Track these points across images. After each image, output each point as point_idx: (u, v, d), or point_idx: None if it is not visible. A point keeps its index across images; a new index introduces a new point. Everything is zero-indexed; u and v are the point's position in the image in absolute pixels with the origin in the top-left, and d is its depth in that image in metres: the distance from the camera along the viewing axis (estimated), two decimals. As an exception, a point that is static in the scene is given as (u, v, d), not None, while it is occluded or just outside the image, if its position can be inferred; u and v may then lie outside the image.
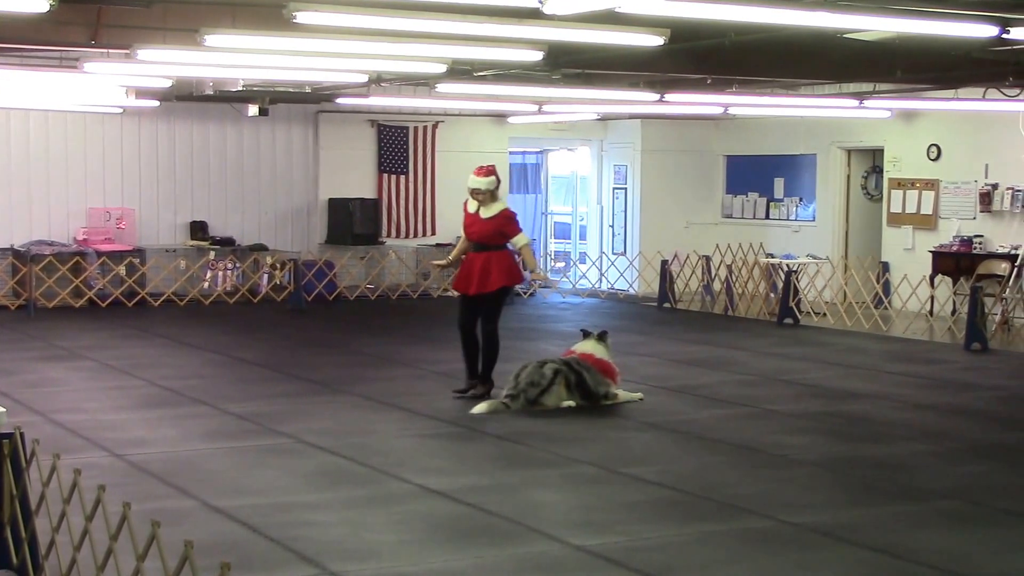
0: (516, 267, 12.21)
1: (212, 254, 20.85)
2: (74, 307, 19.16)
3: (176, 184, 21.05)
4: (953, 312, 18.08)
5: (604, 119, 23.84)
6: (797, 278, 18.77)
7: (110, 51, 12.68)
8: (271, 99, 19.53)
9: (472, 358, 12.01)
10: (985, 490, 8.62)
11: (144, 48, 11.48)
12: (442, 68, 13.26)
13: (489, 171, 12.06)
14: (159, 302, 19.72)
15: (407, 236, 22.61)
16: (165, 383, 12.63)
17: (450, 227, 22.74)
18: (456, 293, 12.40)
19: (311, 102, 20.66)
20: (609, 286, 22.81)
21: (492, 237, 11.97)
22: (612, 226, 24.39)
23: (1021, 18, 10.04)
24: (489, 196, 11.98)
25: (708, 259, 20.95)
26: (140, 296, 19.65)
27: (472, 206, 12.06)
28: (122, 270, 19.68)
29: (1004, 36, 10.20)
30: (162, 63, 12.84)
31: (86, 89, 16.49)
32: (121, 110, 19.65)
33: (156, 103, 18.91)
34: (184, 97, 18.95)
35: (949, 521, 7.83)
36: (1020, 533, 7.60)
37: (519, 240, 12.10)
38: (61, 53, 15.32)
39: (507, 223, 12.01)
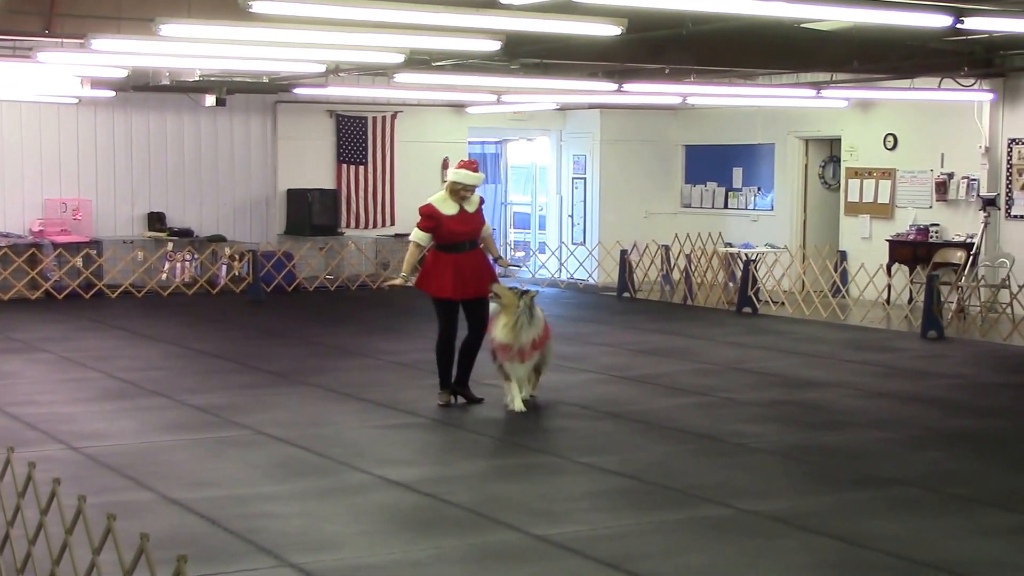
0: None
1: (170, 245, 20.74)
2: (30, 299, 19.03)
3: (133, 175, 20.91)
4: (910, 300, 18.19)
5: (563, 109, 23.85)
6: (755, 267, 18.85)
7: (64, 41, 12.58)
8: (228, 89, 19.45)
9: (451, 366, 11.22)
10: (942, 477, 8.68)
11: (99, 37, 11.39)
12: (400, 58, 13.24)
13: (477, 165, 11.35)
14: (116, 294, 19.61)
15: (366, 226, 22.56)
16: (123, 375, 12.55)
17: (409, 217, 22.65)
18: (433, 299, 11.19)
19: (269, 92, 20.57)
20: (568, 276, 22.84)
21: (480, 231, 11.25)
22: (571, 216, 24.41)
23: (975, 8, 10.11)
24: (471, 192, 11.22)
25: (667, 248, 20.99)
26: (97, 288, 19.54)
27: (450, 207, 11.02)
28: (79, 261, 19.55)
29: (959, 26, 10.28)
30: (117, 53, 12.75)
31: (41, 79, 16.36)
32: (76, 100, 19.50)
33: (112, 93, 18.81)
34: (140, 87, 18.85)
35: (906, 508, 7.88)
36: (977, 519, 7.65)
37: (487, 229, 11.49)
38: (14, 43, 15.18)
39: (483, 212, 11.41)
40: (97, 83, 17.36)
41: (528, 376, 10.91)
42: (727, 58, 15.63)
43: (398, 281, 11.19)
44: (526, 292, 10.86)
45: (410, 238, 11.20)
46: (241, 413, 10.66)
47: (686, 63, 15.67)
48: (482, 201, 11.37)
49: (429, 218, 11.02)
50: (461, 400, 11.15)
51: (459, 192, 11.05)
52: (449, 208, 11.03)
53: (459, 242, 11.02)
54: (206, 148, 21.49)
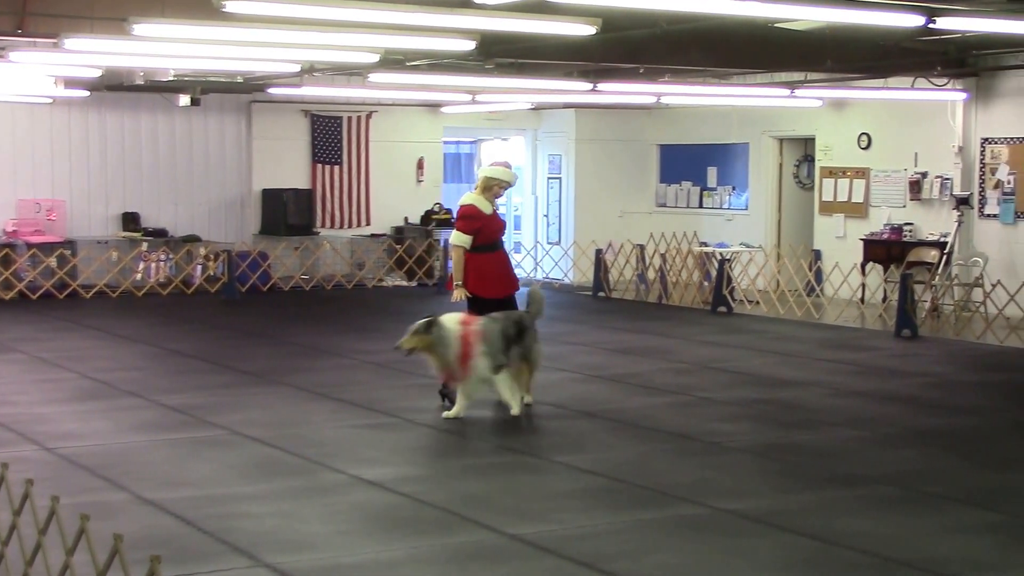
0: None
1: (144, 245, 20.68)
2: (4, 299, 18.94)
3: (107, 175, 20.85)
4: (884, 299, 18.26)
5: (538, 109, 23.87)
6: (730, 266, 18.89)
7: (37, 40, 12.53)
8: (203, 89, 19.41)
9: None
10: (915, 475, 8.71)
11: (72, 37, 11.35)
12: (375, 58, 13.23)
13: (511, 165, 11.40)
14: (91, 294, 19.54)
15: (341, 226, 22.53)
16: (97, 375, 12.51)
17: (384, 217, 22.76)
18: (464, 296, 11.00)
19: (243, 92, 20.54)
20: (544, 275, 22.85)
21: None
22: (547, 216, 24.43)
23: (947, 8, 10.16)
24: (505, 188, 11.28)
25: (642, 248, 21.03)
26: (71, 288, 19.47)
27: (486, 206, 11.02)
28: (53, 262, 19.48)
29: (931, 26, 10.33)
30: (91, 52, 12.71)
31: (14, 79, 16.29)
32: (50, 100, 19.42)
33: (86, 93, 18.75)
34: (114, 87, 18.80)
35: (880, 506, 7.91)
36: (950, 517, 7.68)
37: None
38: (-13, 42, 15.12)
39: None
40: (71, 83, 17.30)
41: (479, 385, 10.44)
42: (701, 58, 15.66)
43: (460, 292, 10.93)
44: (430, 323, 10.29)
45: (452, 242, 11.13)
46: (216, 413, 10.63)
47: (660, 63, 15.70)
48: None
49: (473, 219, 10.99)
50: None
51: (493, 190, 11.06)
52: (486, 207, 11.05)
53: (497, 240, 11.12)
54: (180, 148, 21.43)
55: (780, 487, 8.42)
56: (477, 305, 10.89)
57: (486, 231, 11.00)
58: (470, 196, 11.15)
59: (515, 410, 10.56)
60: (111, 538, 4.65)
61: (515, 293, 11.25)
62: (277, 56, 13.60)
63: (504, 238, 11.40)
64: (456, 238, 11.05)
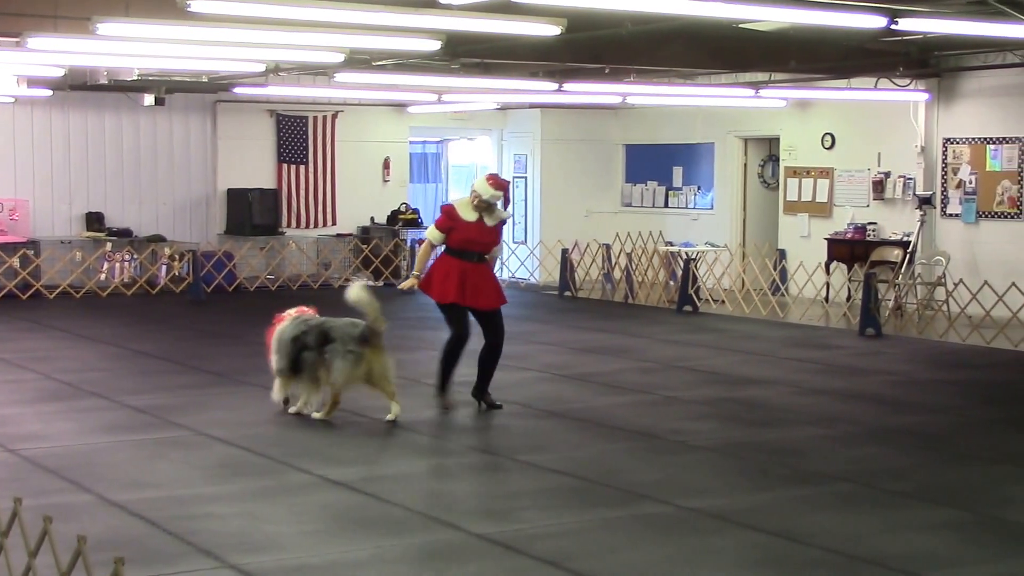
0: None
1: (109, 245, 20.58)
2: (-34, 300, 18.83)
3: (71, 175, 20.74)
4: (848, 298, 18.36)
5: (504, 109, 23.88)
6: (696, 266, 18.95)
7: (0, 39, 12.45)
8: (167, 88, 19.33)
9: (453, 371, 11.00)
10: (878, 473, 8.77)
11: (35, 36, 11.30)
12: (340, 57, 13.21)
13: (503, 185, 11.00)
14: (54, 294, 19.43)
15: (307, 226, 22.49)
16: (61, 376, 12.45)
17: (350, 217, 22.72)
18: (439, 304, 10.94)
19: (208, 91, 20.45)
20: (510, 275, 22.86)
21: (493, 246, 11.11)
22: (512, 215, 24.42)
23: (909, 9, 10.23)
24: (492, 206, 10.99)
25: (608, 247, 21.07)
26: (34, 288, 19.35)
27: (470, 214, 10.85)
28: (16, 262, 19.36)
29: (893, 27, 10.40)
30: (54, 52, 12.65)
31: (-24, 78, 16.20)
32: (12, 99, 19.30)
33: (49, 92, 18.64)
34: (78, 86, 18.70)
35: (843, 504, 7.96)
36: (912, 514, 7.74)
37: (498, 249, 11.35)
38: (-50, 41, 15.03)
39: (501, 231, 11.34)
40: (34, 82, 17.21)
41: (309, 385, 10.55)
42: (666, 58, 15.72)
43: (411, 282, 10.98)
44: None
45: (424, 235, 11.26)
46: (181, 414, 10.60)
47: (626, 63, 15.74)
48: (503, 222, 11.15)
49: (448, 217, 10.92)
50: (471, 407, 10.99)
51: (474, 202, 10.91)
52: (469, 214, 10.88)
53: (469, 251, 10.85)
54: (145, 148, 21.34)
55: (745, 485, 8.46)
56: (439, 309, 10.94)
57: (459, 236, 10.85)
58: (459, 199, 11.20)
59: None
60: (75, 540, 4.64)
61: (483, 310, 10.85)
62: (242, 56, 13.56)
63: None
64: (427, 231, 11.19)
